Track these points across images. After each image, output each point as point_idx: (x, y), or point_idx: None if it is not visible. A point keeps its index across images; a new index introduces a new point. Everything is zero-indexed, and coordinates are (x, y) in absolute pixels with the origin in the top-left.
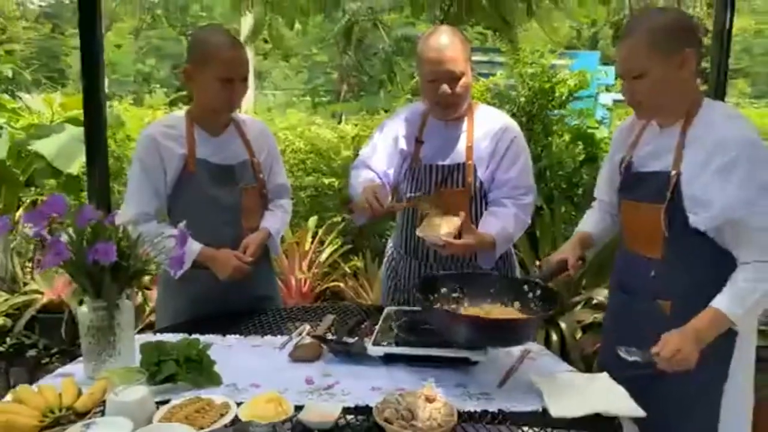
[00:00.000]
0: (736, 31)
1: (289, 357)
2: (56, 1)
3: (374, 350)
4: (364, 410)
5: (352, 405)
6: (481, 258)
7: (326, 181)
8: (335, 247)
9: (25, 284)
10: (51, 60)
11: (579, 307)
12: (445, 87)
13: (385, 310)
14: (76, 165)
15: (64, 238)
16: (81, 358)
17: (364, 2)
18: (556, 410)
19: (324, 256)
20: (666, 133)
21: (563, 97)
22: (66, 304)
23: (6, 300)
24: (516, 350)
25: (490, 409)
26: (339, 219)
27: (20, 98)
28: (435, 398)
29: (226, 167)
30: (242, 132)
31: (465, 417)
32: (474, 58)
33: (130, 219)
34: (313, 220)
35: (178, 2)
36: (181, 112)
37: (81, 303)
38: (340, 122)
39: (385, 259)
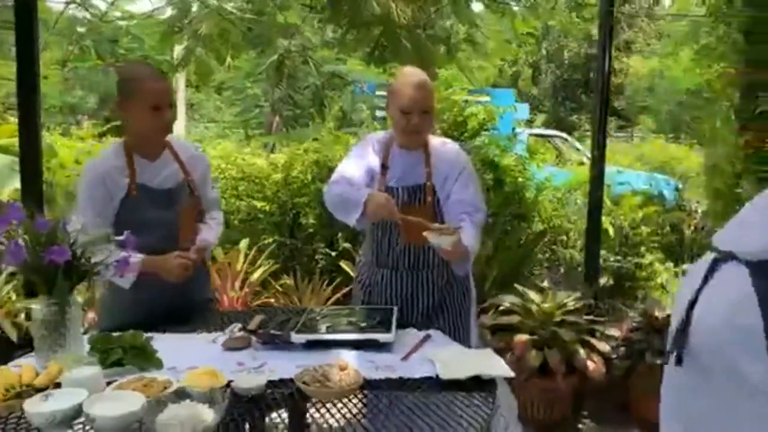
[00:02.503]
0: (646, 72)
1: (222, 347)
2: None
3: (297, 338)
4: (288, 381)
5: (276, 378)
6: (457, 266)
7: (258, 204)
8: (266, 267)
9: None
10: None
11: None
12: (416, 118)
13: (308, 308)
14: (5, 192)
15: (20, 242)
16: (33, 353)
17: (296, 39)
18: (445, 374)
19: (256, 275)
20: None
21: (474, 130)
22: None
23: None
24: (418, 335)
25: (393, 377)
26: (270, 240)
27: None
28: (346, 367)
29: (165, 191)
30: (176, 154)
31: (373, 384)
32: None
33: (78, 228)
34: (244, 242)
35: (107, 34)
36: (118, 141)
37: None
38: (272, 152)
39: (357, 272)
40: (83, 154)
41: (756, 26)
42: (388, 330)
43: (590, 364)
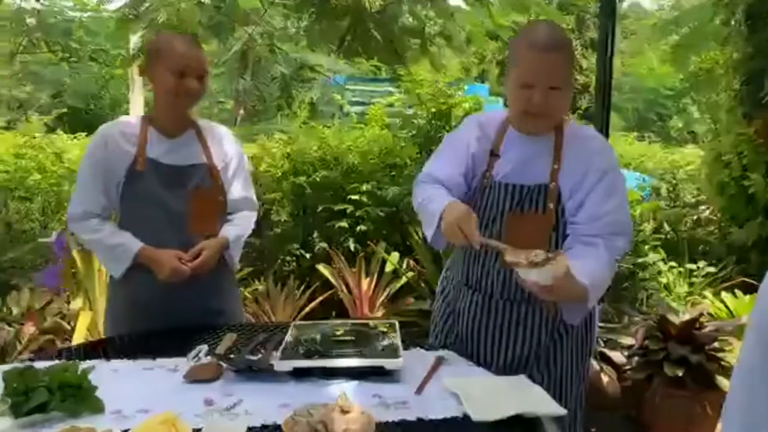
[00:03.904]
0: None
1: (184, 378)
2: None
3: (281, 365)
4: (273, 429)
5: (258, 424)
6: (569, 313)
7: None
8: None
9: None
10: None
11: None
12: (540, 95)
13: (293, 325)
14: None
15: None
16: None
17: (258, 28)
18: (477, 414)
19: None
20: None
21: (459, 120)
22: None
23: None
24: (430, 356)
25: (409, 418)
26: None
27: None
28: (351, 409)
29: (177, 168)
30: (202, 136)
31: (383, 427)
32: (368, 87)
33: (72, 216)
34: None
35: (60, 26)
36: (139, 114)
37: None
38: None
39: (439, 294)
40: (25, 148)
41: (763, 10)
42: (394, 352)
43: (603, 377)
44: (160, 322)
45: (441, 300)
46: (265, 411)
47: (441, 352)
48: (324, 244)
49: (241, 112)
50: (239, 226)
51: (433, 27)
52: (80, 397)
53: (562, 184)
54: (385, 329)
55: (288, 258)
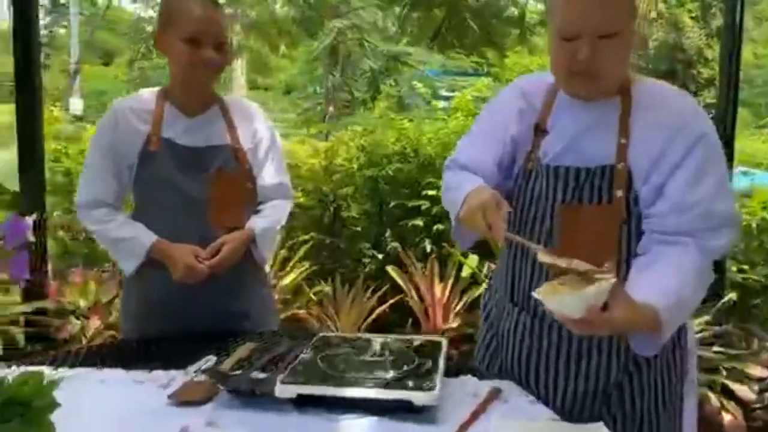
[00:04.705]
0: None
1: (169, 399)
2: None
3: (283, 390)
4: None
5: None
6: (638, 343)
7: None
8: (300, 270)
9: None
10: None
11: None
12: (587, 48)
13: (316, 338)
14: None
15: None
16: None
17: (351, 19)
18: None
19: (287, 280)
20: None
21: None
22: None
23: None
24: (481, 388)
25: None
26: (306, 238)
27: None
28: None
29: (195, 150)
30: (227, 114)
31: None
32: (460, 81)
33: (79, 204)
34: None
35: None
36: (156, 88)
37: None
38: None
39: (482, 311)
40: None
41: None
42: (430, 382)
43: (725, 416)
44: (176, 324)
45: (483, 319)
46: None
47: (499, 383)
48: (396, 244)
49: (331, 108)
50: (269, 217)
51: (533, 15)
52: (27, 419)
53: (633, 164)
54: (428, 348)
55: (358, 258)
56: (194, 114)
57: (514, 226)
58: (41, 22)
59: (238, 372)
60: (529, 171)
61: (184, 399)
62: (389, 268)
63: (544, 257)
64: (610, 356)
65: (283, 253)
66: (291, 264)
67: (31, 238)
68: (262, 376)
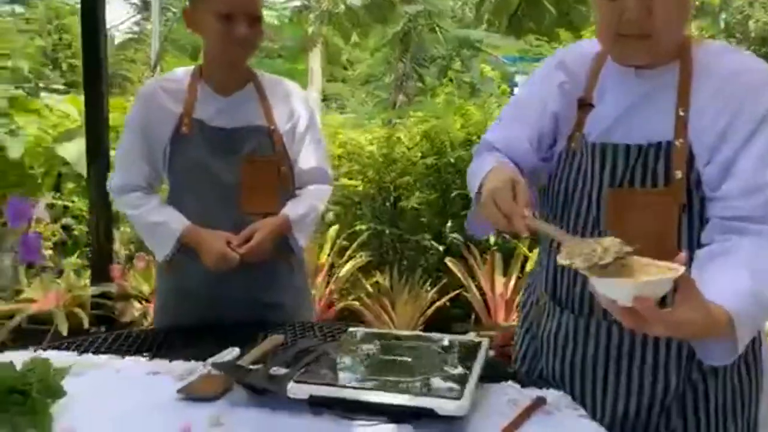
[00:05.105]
0: None
1: (178, 393)
2: None
3: (295, 389)
4: None
5: None
6: (707, 351)
7: (354, 184)
8: (358, 260)
9: (20, 293)
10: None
11: None
12: (634, 4)
13: (348, 332)
14: None
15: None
16: None
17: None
18: None
19: (344, 270)
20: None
21: None
22: (53, 315)
23: None
24: (523, 397)
25: None
26: (364, 227)
27: (42, 98)
28: None
29: (227, 131)
30: (263, 93)
31: None
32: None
33: (112, 189)
34: (334, 230)
35: None
36: (189, 67)
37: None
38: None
39: (521, 310)
40: None
41: None
42: (458, 390)
43: None
44: (207, 314)
45: (520, 322)
46: None
47: (545, 392)
48: (456, 235)
49: (401, 97)
50: (306, 203)
51: None
52: (26, 408)
53: (694, 140)
54: (465, 351)
55: (417, 250)
56: (228, 93)
57: (555, 215)
58: (133, 19)
59: (255, 367)
60: (573, 151)
61: (193, 393)
62: (448, 260)
63: (565, 248)
64: (668, 364)
65: (341, 242)
66: (348, 254)
67: (46, 219)
68: (282, 371)
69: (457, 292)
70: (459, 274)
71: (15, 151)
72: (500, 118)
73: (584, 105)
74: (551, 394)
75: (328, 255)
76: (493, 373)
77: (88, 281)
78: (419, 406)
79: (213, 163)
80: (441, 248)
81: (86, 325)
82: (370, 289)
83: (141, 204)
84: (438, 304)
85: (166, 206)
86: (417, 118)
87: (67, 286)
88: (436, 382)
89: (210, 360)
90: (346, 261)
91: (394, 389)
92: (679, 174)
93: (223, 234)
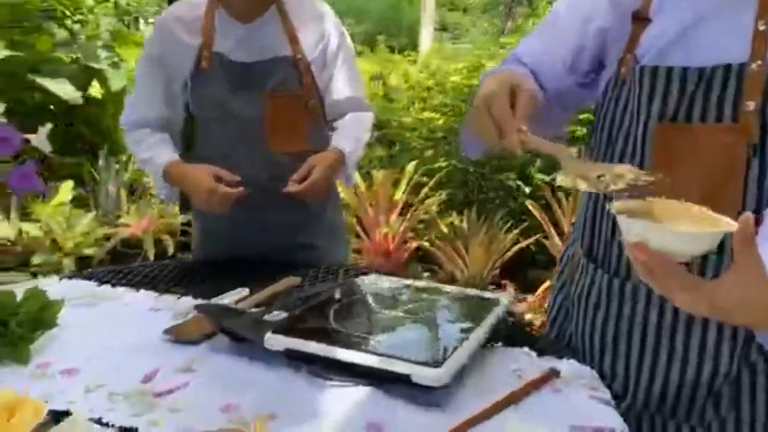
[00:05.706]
0: None
1: (164, 334)
2: None
3: (273, 340)
4: None
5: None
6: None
7: (434, 117)
8: (435, 198)
9: (119, 217)
10: None
11: None
12: None
13: (373, 273)
14: None
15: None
16: None
17: None
18: None
19: (419, 209)
20: None
21: None
22: (142, 241)
23: (94, 231)
24: (533, 366)
25: None
26: (444, 164)
27: (143, 31)
28: None
29: (248, 65)
30: (287, 17)
31: None
32: None
33: (123, 126)
34: (412, 165)
35: None
36: None
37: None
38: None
39: (560, 259)
40: None
41: None
42: (441, 356)
43: None
44: (239, 253)
45: (557, 277)
46: (195, 410)
47: (564, 363)
48: (542, 175)
49: (509, 24)
50: (352, 136)
51: None
52: (6, 340)
53: None
54: (476, 309)
55: (500, 189)
56: (249, 19)
57: (599, 157)
58: None
59: (256, 310)
60: (623, 79)
61: (178, 335)
62: (528, 203)
63: (567, 168)
64: (721, 342)
65: (417, 178)
66: (425, 191)
67: (46, 150)
68: (280, 317)
69: (536, 237)
70: (538, 217)
71: (117, 82)
72: (536, 32)
73: (639, 19)
74: (569, 366)
75: (405, 192)
76: (510, 338)
77: (177, 209)
78: (392, 370)
79: (235, 101)
80: (527, 189)
81: (171, 251)
82: (445, 230)
83: (142, 140)
84: (515, 249)
85: (162, 142)
86: (511, 45)
87: (159, 213)
88: (425, 343)
89: (215, 298)
90: (424, 198)
91: (371, 350)
92: (751, 105)
93: (209, 168)
